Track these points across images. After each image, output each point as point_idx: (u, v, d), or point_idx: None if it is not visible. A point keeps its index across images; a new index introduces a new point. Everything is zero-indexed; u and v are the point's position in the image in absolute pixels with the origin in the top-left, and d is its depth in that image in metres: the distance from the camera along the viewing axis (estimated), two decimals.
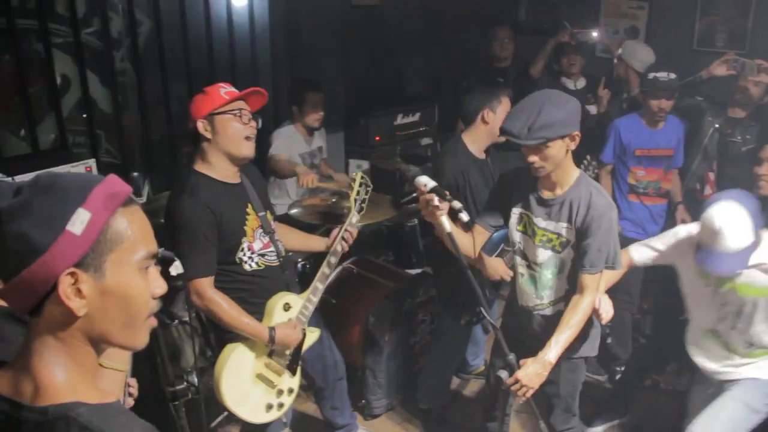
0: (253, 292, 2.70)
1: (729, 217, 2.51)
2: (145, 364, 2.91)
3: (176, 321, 3.34)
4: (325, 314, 3.18)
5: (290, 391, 2.83)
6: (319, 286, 2.82)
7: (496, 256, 3.05)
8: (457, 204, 2.30)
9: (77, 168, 3.32)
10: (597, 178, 2.89)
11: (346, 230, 2.89)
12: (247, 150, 2.62)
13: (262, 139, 3.62)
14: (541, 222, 2.60)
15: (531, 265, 2.69)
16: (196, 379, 2.89)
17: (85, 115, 4.17)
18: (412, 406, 3.87)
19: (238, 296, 2.64)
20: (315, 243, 3.03)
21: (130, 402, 1.96)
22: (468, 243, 2.69)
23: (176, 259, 1.86)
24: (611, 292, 2.80)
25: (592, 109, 4.82)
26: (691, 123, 4.22)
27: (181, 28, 4.56)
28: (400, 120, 5.65)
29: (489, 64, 5.29)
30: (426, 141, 5.80)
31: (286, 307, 2.75)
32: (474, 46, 5.72)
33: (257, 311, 2.70)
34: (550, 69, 5.11)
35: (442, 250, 3.13)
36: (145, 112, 4.46)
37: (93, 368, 1.15)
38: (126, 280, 1.10)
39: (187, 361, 3.37)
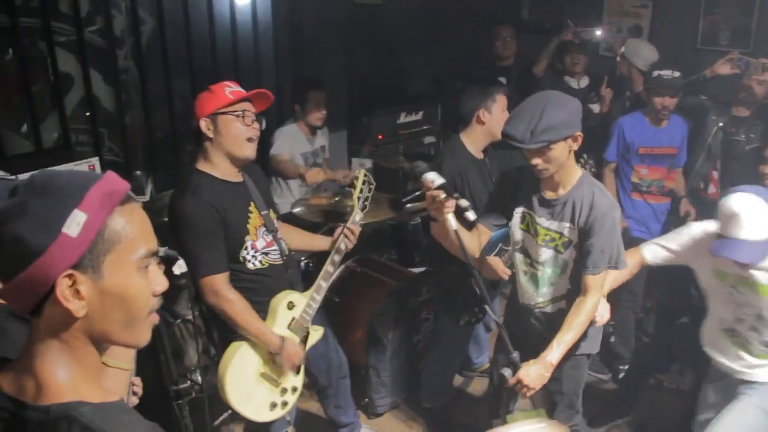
0: (256, 291, 2.70)
1: (748, 205, 2.45)
2: (148, 362, 2.91)
3: (179, 320, 3.34)
4: (328, 313, 3.17)
5: (294, 389, 2.83)
6: (322, 284, 2.82)
7: (495, 255, 3.05)
8: (464, 202, 2.30)
9: (80, 166, 3.32)
10: (596, 177, 2.89)
11: (349, 228, 2.89)
12: (249, 151, 2.62)
13: (265, 138, 3.61)
14: (544, 222, 2.59)
15: (533, 263, 2.68)
16: (199, 378, 2.89)
17: (88, 114, 4.17)
18: (415, 404, 3.87)
19: (241, 295, 2.63)
20: (318, 242, 3.03)
21: (135, 401, 1.96)
22: (470, 242, 2.69)
23: (179, 258, 1.86)
24: (614, 290, 2.80)
25: (595, 108, 4.81)
26: (694, 122, 4.21)
27: (184, 26, 4.56)
28: (403, 119, 5.64)
29: (491, 62, 5.28)
30: (429, 139, 5.80)
31: (290, 306, 2.75)
32: (477, 45, 5.71)
33: (261, 310, 2.69)
34: (553, 68, 5.10)
35: (441, 251, 3.14)
36: (148, 111, 4.46)
37: (96, 367, 1.15)
38: (125, 280, 1.09)
39: (191, 359, 3.37)
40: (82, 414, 1.05)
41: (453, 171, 3.25)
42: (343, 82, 5.59)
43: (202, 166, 2.62)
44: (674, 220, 4.18)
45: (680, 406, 3.81)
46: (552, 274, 2.65)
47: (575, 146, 2.47)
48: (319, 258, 3.54)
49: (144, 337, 1.17)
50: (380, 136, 5.44)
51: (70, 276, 1.03)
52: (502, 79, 5.18)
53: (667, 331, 4.09)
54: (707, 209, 4.16)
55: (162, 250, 1.16)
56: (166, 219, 2.68)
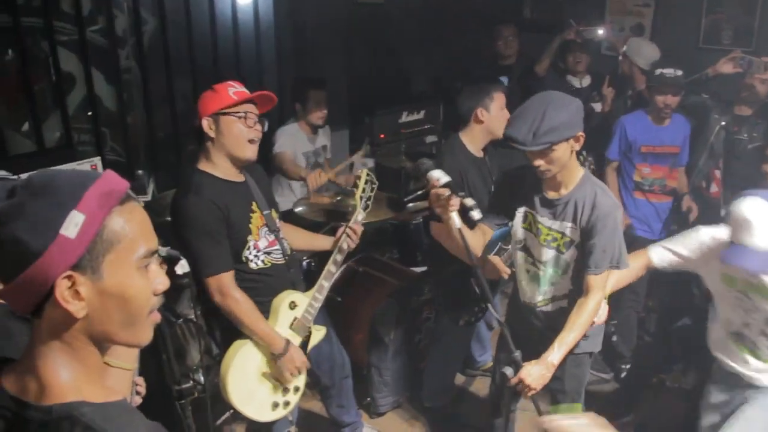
0: (258, 291, 2.69)
1: (760, 211, 2.36)
2: (150, 361, 2.91)
3: (181, 319, 3.34)
4: (330, 312, 3.17)
5: (296, 389, 2.83)
6: (324, 284, 2.81)
7: (494, 254, 3.05)
8: (469, 201, 2.29)
9: (82, 166, 3.32)
10: (596, 175, 2.88)
11: (351, 228, 2.89)
12: (250, 153, 2.61)
13: (267, 138, 3.62)
14: (546, 221, 2.59)
15: (535, 262, 2.68)
16: (202, 378, 2.89)
17: (90, 113, 4.17)
18: (417, 403, 3.87)
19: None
20: (321, 242, 3.03)
21: (138, 400, 1.96)
22: (474, 240, 2.69)
23: (182, 258, 1.86)
24: (617, 291, 2.79)
25: (597, 107, 4.81)
26: (697, 120, 4.21)
27: (186, 26, 4.57)
28: (404, 118, 5.63)
29: (493, 62, 5.28)
30: (431, 139, 5.78)
31: (292, 306, 2.75)
32: (478, 44, 5.70)
33: (263, 310, 2.68)
34: (555, 67, 5.10)
35: (441, 251, 3.14)
36: (149, 110, 4.47)
37: (98, 367, 1.15)
38: (125, 280, 1.08)
39: (192, 359, 3.37)
40: (84, 414, 1.05)
41: (453, 170, 3.23)
42: (345, 82, 5.59)
43: (203, 165, 2.62)
44: (676, 218, 4.18)
45: (682, 406, 3.81)
46: (553, 274, 2.65)
47: (577, 146, 2.47)
48: (320, 257, 3.54)
49: (145, 337, 1.17)
50: (382, 136, 5.43)
51: (69, 277, 1.03)
52: (504, 78, 5.19)
53: (669, 331, 4.08)
54: (709, 208, 4.17)
55: (164, 250, 1.16)
56: (168, 218, 2.68)
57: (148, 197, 4.02)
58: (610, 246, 2.49)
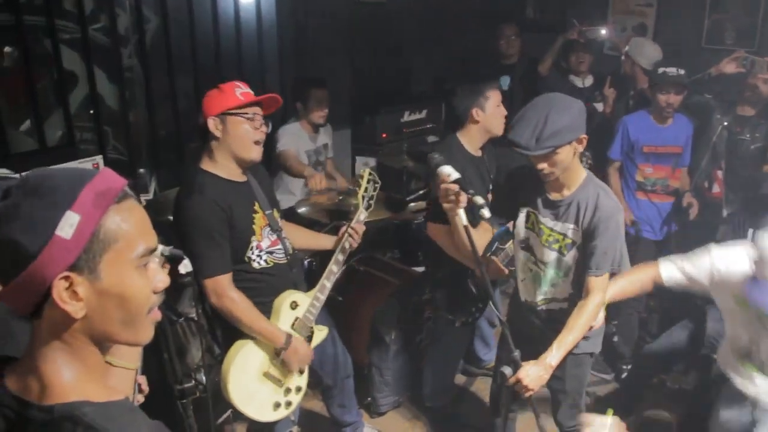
0: (260, 291, 2.69)
1: None
2: (151, 360, 2.91)
3: (182, 318, 3.34)
4: (331, 312, 3.17)
5: (298, 389, 2.83)
6: (326, 284, 2.81)
7: (491, 254, 3.05)
8: (479, 199, 2.29)
9: (84, 164, 3.32)
10: (594, 171, 2.86)
11: (353, 228, 2.88)
12: (256, 154, 2.61)
13: (268, 137, 3.62)
14: (548, 222, 2.59)
15: (537, 262, 2.68)
16: (204, 377, 2.89)
17: (92, 112, 4.17)
18: (418, 403, 3.87)
19: (245, 294, 2.62)
20: (323, 241, 3.03)
21: (140, 399, 1.95)
22: (478, 238, 2.69)
23: (185, 257, 1.86)
24: None
25: (600, 107, 4.81)
26: (699, 120, 4.21)
27: (188, 24, 4.56)
28: (407, 117, 5.64)
29: (496, 61, 5.28)
30: (433, 138, 5.79)
31: (293, 306, 2.75)
32: (481, 44, 5.70)
33: (265, 310, 2.69)
34: (558, 66, 5.10)
35: (437, 252, 3.14)
36: (152, 109, 4.47)
37: (99, 366, 1.14)
38: (123, 279, 1.07)
39: (193, 358, 3.37)
40: (86, 414, 1.05)
41: None
42: (347, 81, 5.59)
43: (206, 165, 2.61)
44: (677, 218, 4.17)
45: (683, 406, 3.81)
46: (554, 276, 2.65)
47: (580, 148, 2.46)
48: (322, 257, 3.54)
49: (146, 335, 1.16)
50: (384, 135, 5.44)
51: (66, 278, 1.02)
52: (506, 78, 5.20)
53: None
54: (711, 208, 4.17)
55: (168, 249, 1.16)
56: (170, 217, 2.67)
57: (150, 196, 4.02)
58: (612, 248, 2.49)
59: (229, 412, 3.27)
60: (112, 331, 1.10)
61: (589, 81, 5.01)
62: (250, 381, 2.68)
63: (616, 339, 4.16)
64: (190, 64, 4.61)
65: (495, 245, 3.06)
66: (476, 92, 3.25)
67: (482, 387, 4.11)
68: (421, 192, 4.54)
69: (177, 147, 4.68)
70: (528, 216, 2.67)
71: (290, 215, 3.78)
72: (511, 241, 3.16)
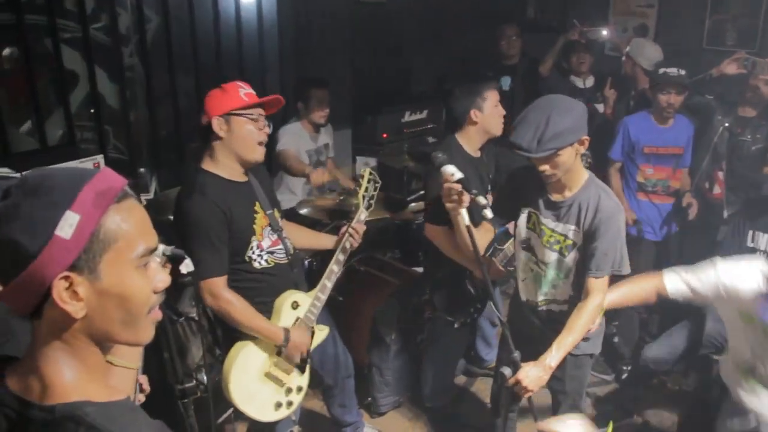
0: (261, 290, 2.69)
1: None
2: (152, 360, 2.91)
3: (182, 317, 3.34)
4: (331, 312, 3.17)
5: (299, 389, 2.83)
6: (327, 283, 2.81)
7: (489, 255, 3.04)
8: (482, 199, 2.29)
9: (85, 164, 3.32)
10: (592, 170, 2.85)
11: (354, 228, 2.88)
12: (259, 155, 2.62)
13: (269, 137, 3.62)
14: (549, 223, 2.59)
15: (538, 262, 2.68)
16: (205, 377, 2.89)
17: (93, 111, 4.17)
18: (418, 403, 3.87)
19: (246, 294, 2.62)
20: (324, 241, 3.03)
21: (141, 398, 1.95)
22: (480, 238, 2.68)
23: (186, 257, 1.86)
24: None
25: (601, 108, 4.81)
26: (700, 121, 4.21)
27: (189, 24, 4.56)
28: (407, 117, 5.64)
29: (497, 61, 5.29)
30: (433, 139, 5.79)
31: (294, 306, 2.75)
32: (481, 44, 5.70)
33: (265, 309, 2.69)
34: (558, 67, 5.10)
35: (435, 252, 3.13)
36: (152, 108, 4.47)
37: (101, 366, 1.14)
38: (124, 279, 1.07)
39: (193, 358, 3.37)
40: (88, 413, 1.04)
41: None
42: (348, 81, 5.59)
43: (207, 165, 2.61)
44: (678, 219, 4.17)
45: (683, 407, 3.81)
46: (555, 278, 2.64)
47: (582, 149, 2.46)
48: (322, 257, 3.53)
49: (146, 335, 1.16)
50: (385, 135, 5.44)
51: (66, 278, 1.02)
52: (507, 78, 5.20)
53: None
54: (712, 209, 4.17)
55: (169, 249, 1.15)
56: (171, 217, 2.67)
57: (151, 195, 4.02)
58: (612, 250, 2.48)
59: (230, 411, 3.28)
60: (113, 331, 1.10)
61: (590, 82, 5.01)
62: (252, 381, 2.68)
63: (616, 340, 4.16)
64: (191, 64, 4.61)
65: (493, 246, 3.06)
66: (473, 93, 3.21)
67: (482, 387, 4.11)
68: (421, 192, 4.54)
69: (178, 146, 4.69)
70: (529, 216, 2.67)
71: (291, 215, 3.78)
72: (509, 242, 3.17)
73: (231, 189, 2.60)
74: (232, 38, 4.86)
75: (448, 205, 2.43)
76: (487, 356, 4.13)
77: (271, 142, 4.09)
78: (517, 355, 2.40)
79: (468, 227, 2.36)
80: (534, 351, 2.50)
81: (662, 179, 4.13)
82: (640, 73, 4.57)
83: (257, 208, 2.69)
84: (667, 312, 4.40)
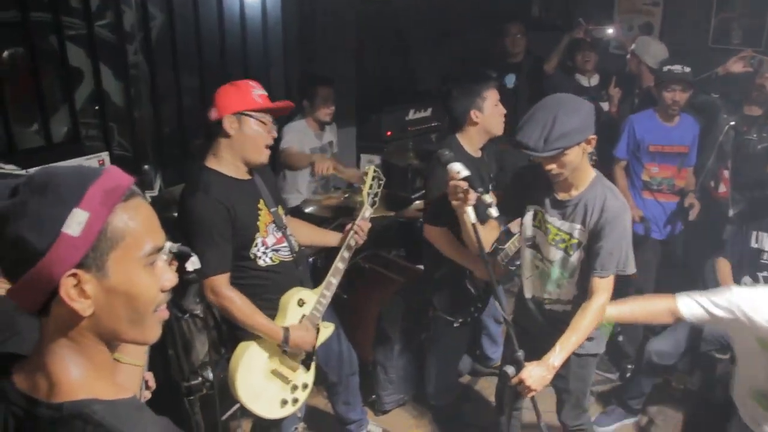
0: (267, 288, 2.70)
1: None
2: (157, 357, 2.92)
3: (187, 314, 3.34)
4: (336, 309, 3.18)
5: (305, 386, 2.83)
6: (332, 281, 2.82)
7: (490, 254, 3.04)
8: (488, 198, 2.29)
9: (90, 161, 3.32)
10: (598, 168, 2.83)
11: (359, 225, 2.88)
12: (264, 158, 2.63)
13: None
14: (555, 221, 2.58)
15: (543, 260, 2.68)
16: (210, 375, 2.89)
17: (97, 108, 4.18)
18: (423, 401, 3.87)
19: (252, 292, 2.63)
20: (329, 238, 3.03)
21: (147, 395, 1.95)
22: (485, 236, 2.67)
23: (193, 254, 1.86)
24: (622, 290, 2.77)
25: (606, 106, 4.80)
26: (706, 120, 4.20)
27: (193, 21, 4.56)
28: (412, 115, 5.63)
29: (501, 59, 5.28)
30: (438, 137, 5.79)
31: (300, 303, 2.75)
32: (486, 42, 5.70)
33: (271, 307, 2.69)
34: (563, 65, 5.09)
35: (436, 252, 3.12)
36: (157, 106, 4.47)
37: (108, 364, 1.14)
38: (131, 277, 1.07)
39: (197, 355, 3.37)
40: (95, 411, 1.04)
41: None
42: (352, 79, 5.58)
43: (211, 163, 2.61)
44: (683, 218, 4.16)
45: (688, 406, 3.81)
46: (560, 276, 2.64)
47: (589, 148, 2.45)
48: (326, 254, 3.53)
49: (153, 334, 1.16)
50: (389, 133, 5.44)
51: (74, 275, 1.02)
52: (512, 76, 5.19)
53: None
54: (717, 208, 4.16)
55: (176, 246, 1.15)
56: (175, 214, 2.67)
57: (155, 192, 4.02)
58: (618, 249, 2.47)
59: (235, 408, 3.28)
60: (120, 329, 1.10)
61: (594, 80, 5.01)
62: (258, 379, 2.68)
63: (620, 338, 4.15)
64: (195, 61, 4.61)
65: (494, 246, 3.05)
66: (473, 93, 3.17)
67: (486, 386, 4.11)
68: (425, 190, 4.53)
69: (182, 143, 4.68)
70: (535, 215, 2.66)
71: (297, 213, 3.78)
72: (510, 241, 3.16)
73: (235, 186, 2.60)
74: (236, 36, 4.86)
75: (454, 203, 2.43)
76: (493, 355, 4.12)
77: (275, 140, 4.10)
78: (520, 354, 2.39)
79: (474, 225, 2.36)
80: (539, 349, 2.49)
81: (667, 178, 4.12)
82: (645, 72, 4.56)
83: (261, 205, 2.69)
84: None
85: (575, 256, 2.56)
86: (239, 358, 2.64)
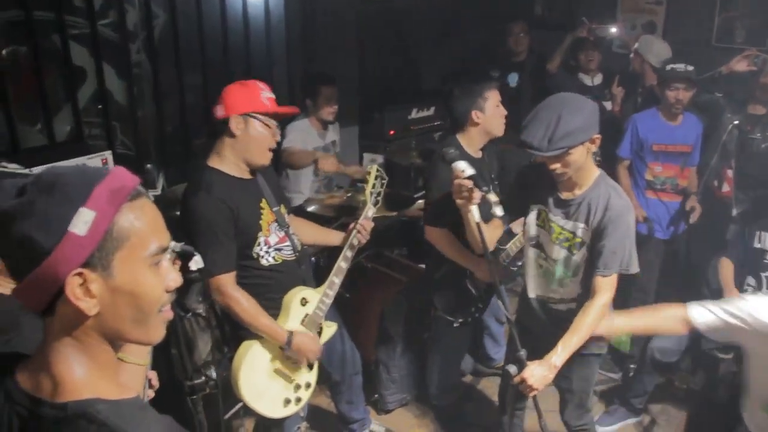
0: (269, 287, 2.70)
1: None
2: (161, 356, 2.92)
3: (190, 313, 3.34)
4: (339, 308, 3.18)
5: (308, 385, 2.83)
6: (335, 280, 2.82)
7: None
8: (493, 197, 2.29)
9: (93, 160, 3.32)
10: (602, 168, 2.81)
11: (362, 224, 2.88)
12: (267, 160, 2.64)
13: None
14: (559, 220, 2.58)
15: (547, 258, 2.68)
16: (214, 374, 2.90)
17: (100, 107, 4.18)
18: (425, 401, 3.87)
19: (255, 291, 2.63)
20: (332, 237, 3.03)
21: (151, 394, 1.95)
22: (489, 235, 2.67)
23: (196, 254, 1.86)
24: (625, 289, 2.76)
25: (609, 105, 4.79)
26: (709, 119, 4.19)
27: (196, 20, 4.56)
28: (414, 114, 5.63)
29: (504, 58, 5.27)
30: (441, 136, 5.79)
31: (303, 302, 2.75)
32: (489, 41, 5.69)
33: (274, 306, 2.69)
34: (567, 65, 5.09)
35: (436, 252, 3.12)
36: (160, 104, 4.47)
37: (112, 364, 1.14)
38: (136, 277, 1.08)
39: (200, 354, 3.38)
40: (99, 411, 1.05)
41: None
42: (355, 77, 5.58)
43: (213, 162, 2.61)
44: (685, 216, 4.15)
45: (691, 406, 3.80)
46: (563, 275, 2.64)
47: (593, 148, 2.45)
48: (329, 253, 3.53)
49: (157, 334, 1.16)
50: (392, 132, 5.43)
51: (80, 274, 1.02)
52: (515, 75, 5.19)
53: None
54: (721, 208, 4.15)
55: (179, 246, 1.15)
56: (178, 213, 2.68)
57: (158, 191, 4.02)
58: (621, 248, 2.47)
59: (238, 407, 3.28)
60: (124, 329, 1.10)
61: (598, 79, 5.00)
62: (261, 378, 2.68)
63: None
64: (198, 60, 4.61)
65: (495, 246, 3.05)
66: (474, 94, 3.16)
67: (489, 385, 4.11)
68: (425, 191, 4.54)
69: (185, 142, 4.68)
70: (539, 214, 2.66)
71: (299, 213, 3.78)
72: (511, 241, 3.16)
73: (237, 186, 2.60)
74: (239, 35, 4.86)
75: (459, 201, 2.42)
76: (495, 355, 4.12)
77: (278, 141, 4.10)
78: (522, 353, 2.39)
79: (478, 224, 2.35)
80: (542, 349, 2.49)
81: (671, 177, 4.11)
82: (648, 70, 4.55)
83: (263, 204, 2.69)
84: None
85: (579, 255, 2.56)
86: (242, 357, 2.64)
